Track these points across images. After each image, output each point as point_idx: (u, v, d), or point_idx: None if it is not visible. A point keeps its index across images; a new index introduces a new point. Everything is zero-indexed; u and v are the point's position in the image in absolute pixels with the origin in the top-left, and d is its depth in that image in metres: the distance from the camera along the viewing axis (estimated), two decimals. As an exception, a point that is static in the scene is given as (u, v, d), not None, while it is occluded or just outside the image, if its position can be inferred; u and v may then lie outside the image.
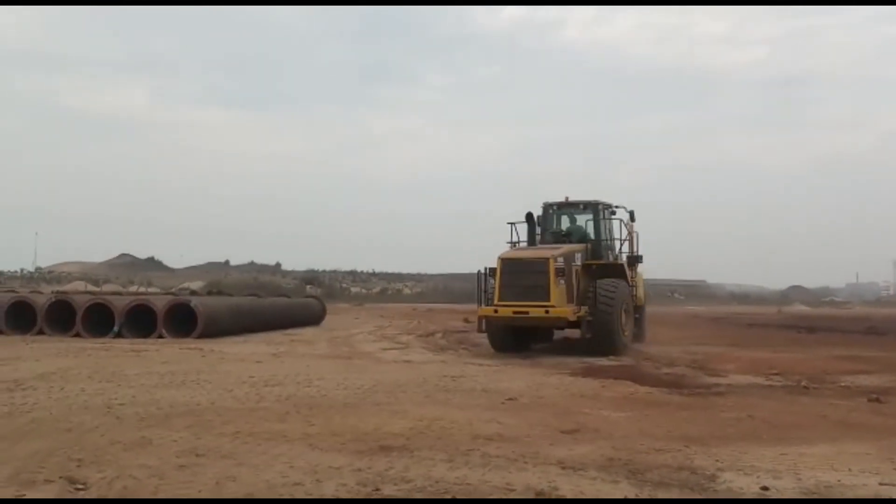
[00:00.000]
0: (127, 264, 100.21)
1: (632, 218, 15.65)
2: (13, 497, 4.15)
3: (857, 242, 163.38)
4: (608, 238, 15.70)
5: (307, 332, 20.35)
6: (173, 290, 35.75)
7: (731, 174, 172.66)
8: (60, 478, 4.49)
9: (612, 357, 13.02)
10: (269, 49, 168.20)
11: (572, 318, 13.36)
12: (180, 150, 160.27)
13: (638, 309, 15.90)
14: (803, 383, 9.56)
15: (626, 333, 14.37)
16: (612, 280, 14.24)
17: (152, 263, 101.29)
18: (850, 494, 4.38)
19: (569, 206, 16.04)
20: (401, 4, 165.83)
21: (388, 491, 4.32)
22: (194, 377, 9.49)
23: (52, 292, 22.78)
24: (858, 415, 7.28)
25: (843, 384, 9.64)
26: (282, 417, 6.65)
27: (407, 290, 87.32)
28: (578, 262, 14.28)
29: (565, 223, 16.13)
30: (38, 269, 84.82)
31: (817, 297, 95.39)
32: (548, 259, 13.29)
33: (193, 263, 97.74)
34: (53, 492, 4.27)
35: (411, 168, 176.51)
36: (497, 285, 13.57)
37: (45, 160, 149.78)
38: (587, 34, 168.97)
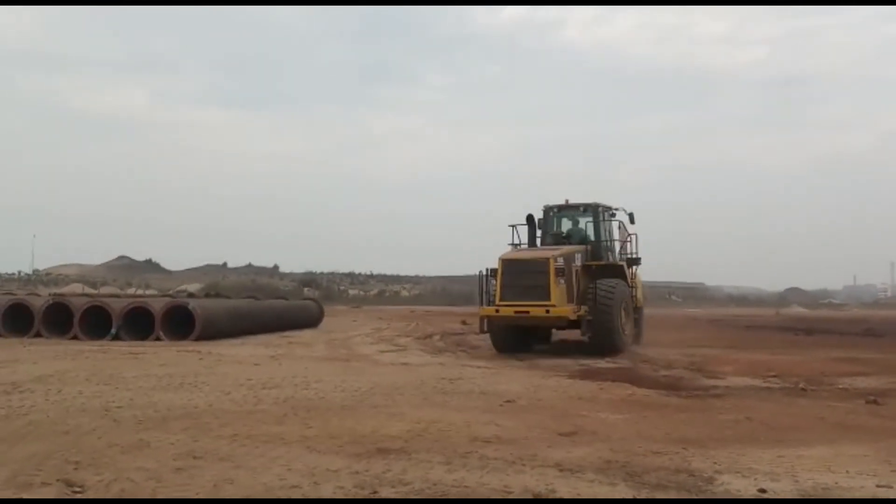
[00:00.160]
0: (125, 266, 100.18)
1: (631, 220, 15.81)
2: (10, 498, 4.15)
3: (855, 244, 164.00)
4: (608, 239, 15.88)
5: (305, 335, 20.33)
6: (171, 292, 35.72)
7: (730, 174, 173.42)
8: (58, 480, 4.48)
9: (609, 359, 13.04)
10: (269, 49, 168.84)
11: (572, 317, 13.55)
12: (180, 150, 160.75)
13: (636, 310, 16.00)
14: (801, 385, 9.57)
15: (625, 333, 14.54)
16: (612, 280, 14.43)
17: (150, 266, 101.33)
18: (847, 496, 4.39)
19: (569, 209, 16.21)
20: (401, 4, 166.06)
21: (386, 493, 4.31)
22: (192, 380, 9.47)
23: (50, 295, 22.74)
24: (856, 417, 7.29)
25: (840, 386, 9.66)
26: (279, 420, 6.64)
27: (405, 293, 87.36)
28: (578, 263, 14.47)
29: (566, 225, 16.31)
30: (35, 271, 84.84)
31: (815, 299, 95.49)
32: (548, 259, 13.51)
33: (191, 266, 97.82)
34: (51, 494, 4.26)
35: (411, 168, 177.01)
36: (498, 285, 13.78)
37: (45, 160, 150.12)
38: (587, 34, 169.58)
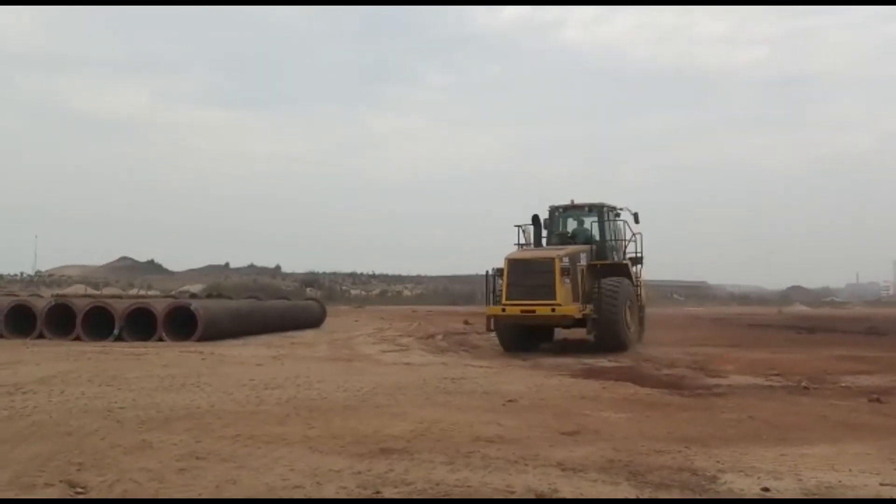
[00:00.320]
0: (127, 267, 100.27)
1: (636, 219, 15.97)
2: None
3: (857, 242, 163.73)
4: (612, 239, 16.10)
5: (307, 335, 20.34)
6: (173, 293, 35.74)
7: (731, 174, 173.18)
8: (60, 481, 4.49)
9: (612, 358, 13.05)
10: (269, 49, 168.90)
11: (578, 315, 13.72)
12: (181, 150, 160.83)
13: (640, 309, 16.10)
14: (804, 384, 9.55)
15: (630, 330, 14.77)
16: (616, 278, 14.69)
17: (152, 266, 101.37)
18: (850, 495, 4.38)
19: (574, 209, 16.41)
20: (401, 4, 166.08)
21: (389, 493, 4.31)
22: (194, 380, 9.48)
23: (52, 296, 22.74)
24: (859, 415, 7.27)
25: (843, 384, 9.63)
26: (282, 420, 6.64)
27: (407, 292, 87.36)
28: (583, 263, 14.66)
29: (571, 225, 16.51)
30: (38, 272, 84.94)
31: (817, 297, 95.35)
32: (553, 259, 13.70)
33: (193, 266, 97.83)
34: (53, 496, 4.27)
35: (412, 168, 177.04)
36: (504, 285, 13.98)
37: (45, 160, 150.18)
38: (587, 34, 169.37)
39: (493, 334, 15.44)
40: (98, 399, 7.78)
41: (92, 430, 6.09)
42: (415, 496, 4.28)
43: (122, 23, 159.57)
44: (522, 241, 15.66)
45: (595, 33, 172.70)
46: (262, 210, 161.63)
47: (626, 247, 16.07)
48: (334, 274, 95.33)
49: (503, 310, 13.91)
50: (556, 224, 16.29)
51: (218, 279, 75.25)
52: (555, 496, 4.28)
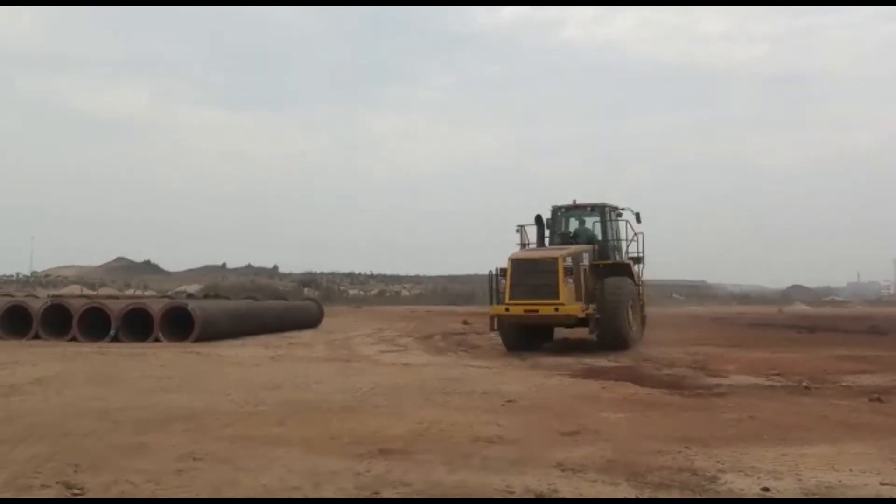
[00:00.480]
0: (123, 268, 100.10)
1: (637, 219, 16.05)
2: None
3: (858, 241, 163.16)
4: (615, 239, 16.23)
5: (305, 335, 20.30)
6: (170, 293, 35.70)
7: (731, 173, 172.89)
8: (57, 483, 4.46)
9: (612, 358, 13.05)
10: (269, 49, 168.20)
11: (581, 315, 13.86)
12: (180, 150, 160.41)
13: (641, 308, 16.19)
14: (804, 383, 9.53)
15: (633, 330, 14.89)
16: (619, 278, 14.84)
17: (149, 267, 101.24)
18: (851, 495, 4.36)
19: (576, 209, 16.52)
20: (401, 4, 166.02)
21: (388, 494, 4.29)
22: (191, 381, 9.45)
23: (48, 296, 22.71)
24: (860, 415, 7.25)
25: (844, 384, 9.61)
26: (280, 421, 6.61)
27: (405, 292, 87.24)
28: (586, 262, 14.76)
29: (573, 225, 16.60)
30: (34, 273, 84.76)
31: (818, 296, 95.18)
32: (557, 259, 13.81)
33: (190, 266, 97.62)
34: (50, 497, 4.25)
35: (411, 168, 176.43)
36: (508, 285, 14.05)
37: (45, 160, 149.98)
38: (588, 34, 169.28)
39: (493, 334, 15.47)
40: (95, 400, 7.74)
41: (89, 431, 6.06)
42: (414, 497, 4.26)
43: (122, 23, 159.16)
44: (525, 240, 15.75)
45: (595, 33, 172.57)
46: (261, 210, 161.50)
47: (627, 246, 16.17)
48: (332, 274, 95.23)
49: (507, 309, 13.99)
50: (559, 224, 16.40)
51: (215, 279, 75.08)
52: (554, 497, 4.26)
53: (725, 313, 44.91)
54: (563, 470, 4.82)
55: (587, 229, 16.38)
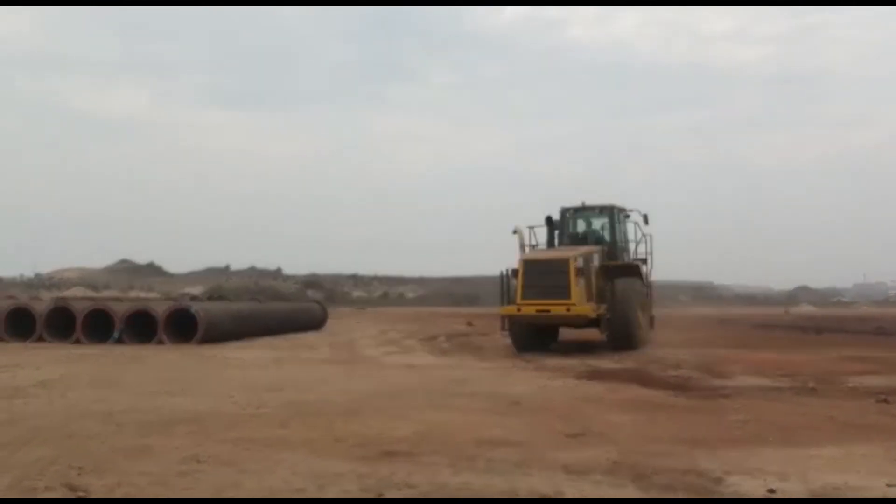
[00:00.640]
0: (127, 270, 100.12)
1: (645, 221, 16.15)
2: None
3: (864, 242, 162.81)
4: (623, 240, 16.42)
5: (309, 337, 20.31)
6: (173, 295, 35.75)
7: (736, 173, 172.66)
8: (61, 485, 4.46)
9: (617, 359, 13.03)
10: (269, 49, 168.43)
11: (592, 315, 14.03)
12: (181, 150, 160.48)
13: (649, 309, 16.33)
14: (811, 385, 9.49)
15: (642, 329, 15.09)
16: (628, 279, 15.00)
17: (152, 269, 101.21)
18: (857, 496, 4.34)
19: (585, 210, 16.66)
20: (402, 4, 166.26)
21: (392, 496, 4.28)
22: (195, 383, 9.45)
23: (52, 298, 22.77)
24: (866, 416, 7.21)
25: (850, 385, 9.56)
26: (284, 423, 6.60)
27: (409, 294, 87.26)
28: (596, 263, 15.00)
29: (581, 226, 16.76)
30: (37, 275, 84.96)
31: (824, 297, 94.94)
32: (568, 259, 13.96)
33: (193, 268, 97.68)
34: (54, 499, 4.24)
35: (414, 169, 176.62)
36: (519, 285, 14.19)
37: (45, 160, 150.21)
38: (590, 33, 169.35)
39: (498, 335, 15.54)
40: (98, 402, 7.74)
41: (92, 433, 6.06)
42: (418, 498, 4.25)
43: (122, 23, 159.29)
44: (533, 241, 15.92)
45: (597, 32, 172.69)
46: (264, 211, 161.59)
47: (636, 248, 16.33)
48: (336, 276, 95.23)
49: (518, 309, 14.08)
50: (568, 225, 16.51)
51: (219, 281, 75.06)
52: (559, 498, 4.24)
53: (731, 314, 44.77)
54: (567, 472, 4.80)
55: (595, 230, 16.52)
